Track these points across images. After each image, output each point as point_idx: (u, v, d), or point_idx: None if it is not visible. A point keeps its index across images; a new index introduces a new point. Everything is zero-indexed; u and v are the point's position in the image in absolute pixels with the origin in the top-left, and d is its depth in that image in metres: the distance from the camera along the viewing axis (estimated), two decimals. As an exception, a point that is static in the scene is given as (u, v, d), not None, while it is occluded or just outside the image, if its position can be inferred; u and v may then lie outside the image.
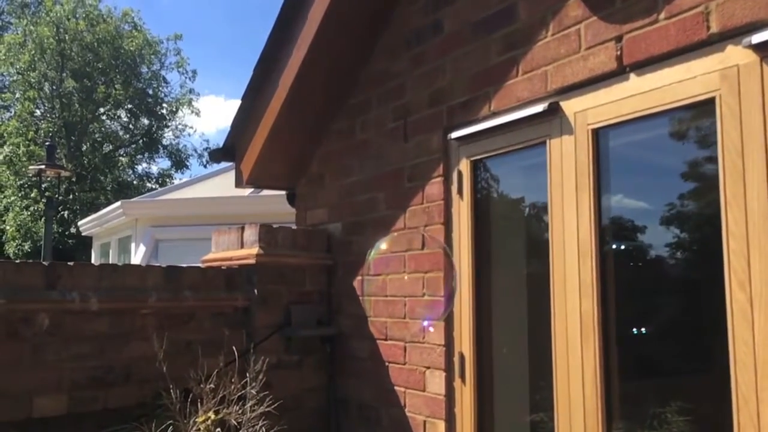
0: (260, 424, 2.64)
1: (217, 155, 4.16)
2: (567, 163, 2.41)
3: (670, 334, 2.24)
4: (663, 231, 2.25)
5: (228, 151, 4.10)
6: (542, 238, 2.58)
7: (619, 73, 2.26)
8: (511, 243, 2.87)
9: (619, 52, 2.25)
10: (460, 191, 2.90)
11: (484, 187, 2.87)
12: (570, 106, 2.43)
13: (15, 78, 23.30)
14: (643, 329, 2.28)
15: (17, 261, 2.85)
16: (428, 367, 3.00)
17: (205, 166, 27.19)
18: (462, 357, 2.83)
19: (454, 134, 2.92)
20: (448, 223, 2.96)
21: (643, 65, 2.19)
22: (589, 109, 2.35)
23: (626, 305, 2.30)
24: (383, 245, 2.95)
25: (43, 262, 2.90)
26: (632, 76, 2.23)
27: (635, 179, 2.27)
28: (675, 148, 2.22)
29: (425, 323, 2.98)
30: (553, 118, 2.47)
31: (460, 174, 2.91)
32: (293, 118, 3.71)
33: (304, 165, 4.03)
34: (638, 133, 2.28)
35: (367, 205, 3.50)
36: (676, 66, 2.10)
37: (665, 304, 2.24)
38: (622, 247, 2.33)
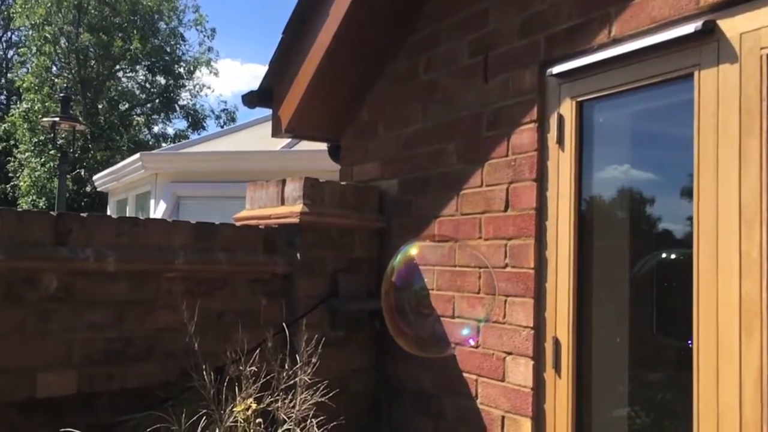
0: (314, 421, 2.15)
1: (251, 98, 3.60)
2: (726, 100, 1.84)
3: None
4: None
5: (264, 94, 3.56)
6: (677, 201, 2.04)
7: (817, -24, 1.68)
8: (628, 205, 2.32)
9: (820, -52, 1.67)
10: (560, 141, 2.35)
11: (593, 135, 2.31)
12: (733, 25, 1.85)
13: (30, 32, 22.73)
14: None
15: (20, 210, 2.35)
16: (509, 353, 2.49)
17: (222, 127, 26.63)
18: (557, 343, 2.31)
19: (556, 69, 2.35)
20: (541, 180, 2.42)
21: None
22: (764, 28, 1.78)
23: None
24: (413, 251, 2.57)
25: (52, 213, 2.41)
26: (839, -20, 1.65)
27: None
28: None
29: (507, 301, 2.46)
30: (707, 42, 1.90)
31: (561, 119, 2.35)
32: (344, 56, 3.16)
33: (353, 112, 3.49)
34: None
35: (432, 158, 2.95)
36: None
37: None
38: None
